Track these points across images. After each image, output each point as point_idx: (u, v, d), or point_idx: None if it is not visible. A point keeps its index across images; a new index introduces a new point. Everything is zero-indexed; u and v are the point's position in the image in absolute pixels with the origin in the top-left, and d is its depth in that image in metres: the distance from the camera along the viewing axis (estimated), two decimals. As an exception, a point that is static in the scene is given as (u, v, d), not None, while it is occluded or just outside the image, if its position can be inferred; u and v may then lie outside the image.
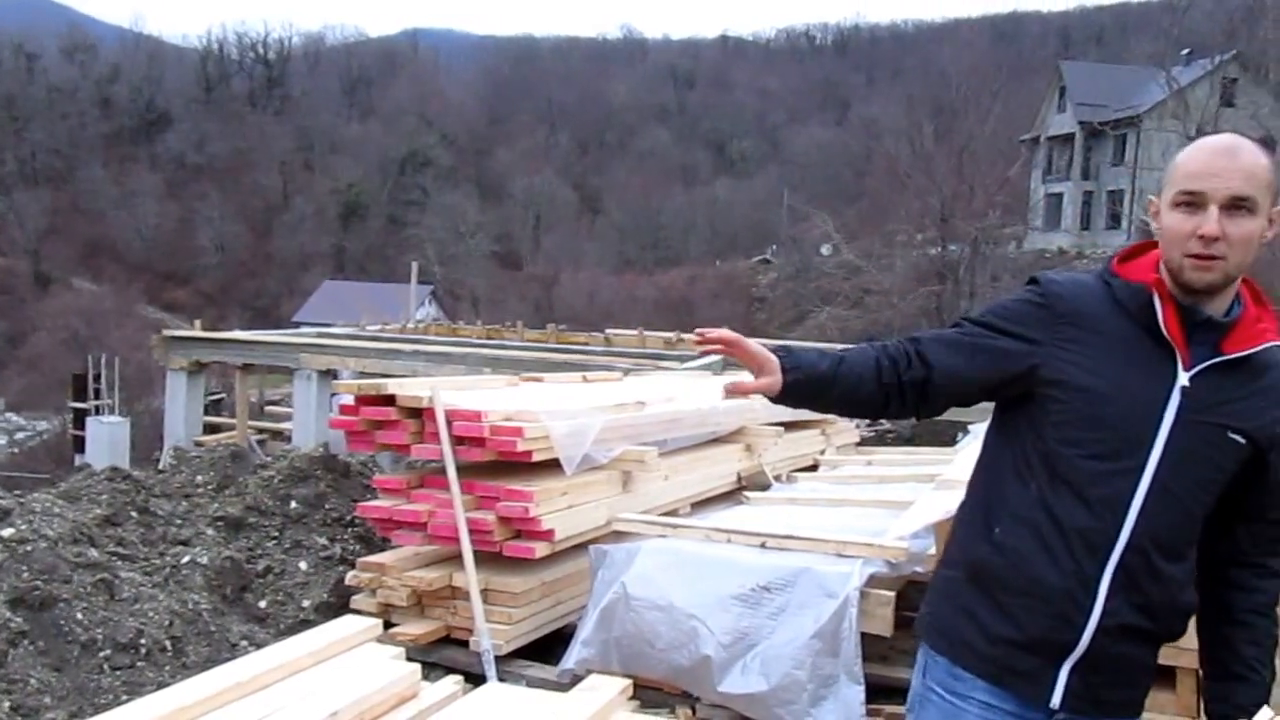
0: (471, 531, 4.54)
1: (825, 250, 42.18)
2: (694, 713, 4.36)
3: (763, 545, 4.61)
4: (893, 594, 4.27)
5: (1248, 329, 1.90)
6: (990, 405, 2.11)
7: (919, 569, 4.26)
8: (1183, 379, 1.88)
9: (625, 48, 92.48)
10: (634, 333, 16.68)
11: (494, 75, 79.06)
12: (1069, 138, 47.88)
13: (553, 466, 4.84)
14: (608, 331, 15.53)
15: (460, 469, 4.63)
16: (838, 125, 66.39)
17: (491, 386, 5.83)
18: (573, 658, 4.41)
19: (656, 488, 5.64)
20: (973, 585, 1.99)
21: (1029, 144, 47.94)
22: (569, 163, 67.39)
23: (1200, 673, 2.26)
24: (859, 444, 9.40)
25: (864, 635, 4.16)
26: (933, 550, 3.69)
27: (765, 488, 6.62)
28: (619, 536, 4.78)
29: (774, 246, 50.70)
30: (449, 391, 4.91)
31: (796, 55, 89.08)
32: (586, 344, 14.68)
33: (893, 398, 1.98)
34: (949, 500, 3.57)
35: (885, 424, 12.54)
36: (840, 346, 2.28)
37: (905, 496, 5.18)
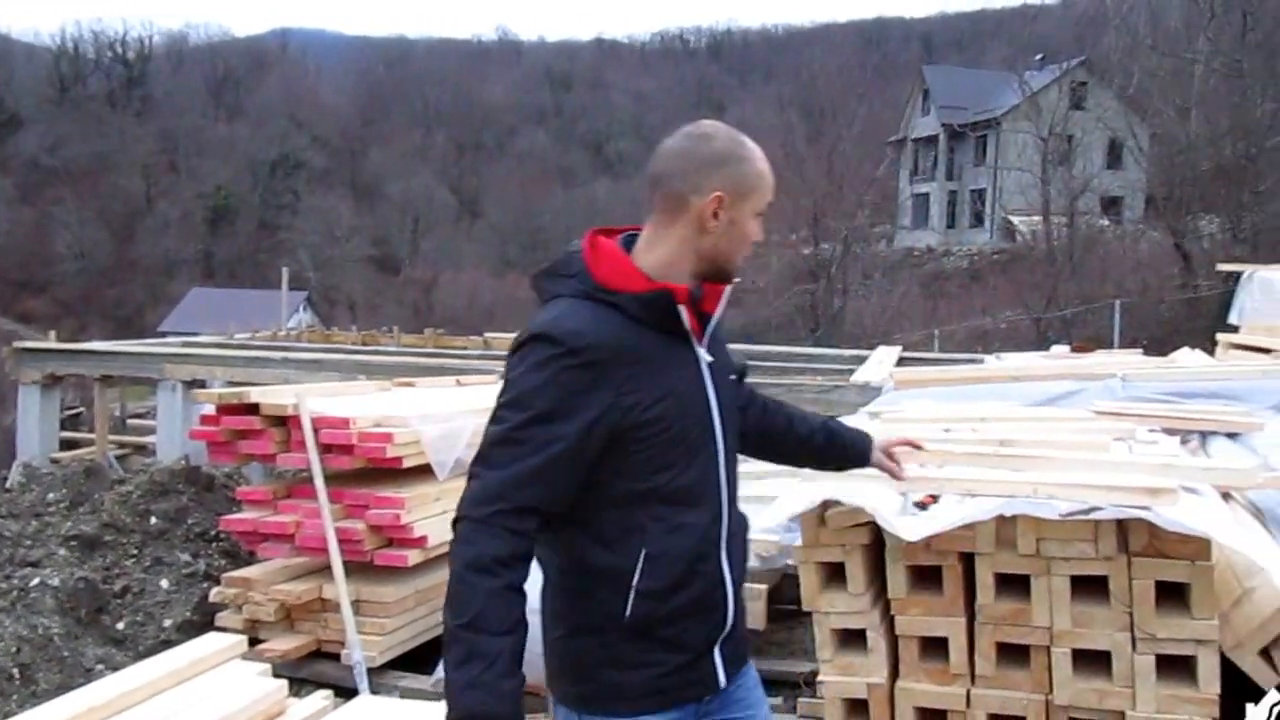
0: (341, 541, 4.44)
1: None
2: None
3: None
4: (765, 588, 4.34)
5: (709, 288, 2.06)
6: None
7: (790, 562, 4.33)
8: (705, 356, 2.05)
9: (500, 49, 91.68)
10: (514, 335, 16.49)
11: (367, 76, 77.44)
12: (933, 139, 49.59)
13: (426, 472, 4.78)
14: (487, 335, 15.34)
15: (329, 478, 4.53)
16: (712, 128, 67.34)
17: (361, 392, 5.71)
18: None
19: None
20: (630, 640, 1.96)
21: (896, 145, 49.44)
22: (446, 164, 66.48)
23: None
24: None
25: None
26: (799, 543, 3.76)
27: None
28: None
29: (655, 248, 51.07)
30: (315, 398, 4.80)
31: (671, 58, 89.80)
32: (465, 348, 14.49)
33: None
34: (814, 491, 3.64)
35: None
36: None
37: (771, 491, 5.26)
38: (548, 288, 2.05)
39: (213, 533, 5.59)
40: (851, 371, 10.54)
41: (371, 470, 4.70)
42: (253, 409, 4.65)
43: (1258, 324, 9.07)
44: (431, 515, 4.71)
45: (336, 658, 4.54)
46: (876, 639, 3.63)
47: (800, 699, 4.16)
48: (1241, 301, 9.51)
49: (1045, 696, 3.43)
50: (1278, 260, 9.68)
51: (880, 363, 11.21)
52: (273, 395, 4.76)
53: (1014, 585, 3.46)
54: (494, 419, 1.96)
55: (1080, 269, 28.34)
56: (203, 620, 4.86)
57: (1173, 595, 3.32)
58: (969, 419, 4.98)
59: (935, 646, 3.59)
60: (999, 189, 43.38)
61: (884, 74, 52.50)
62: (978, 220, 46.61)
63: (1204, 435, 5.01)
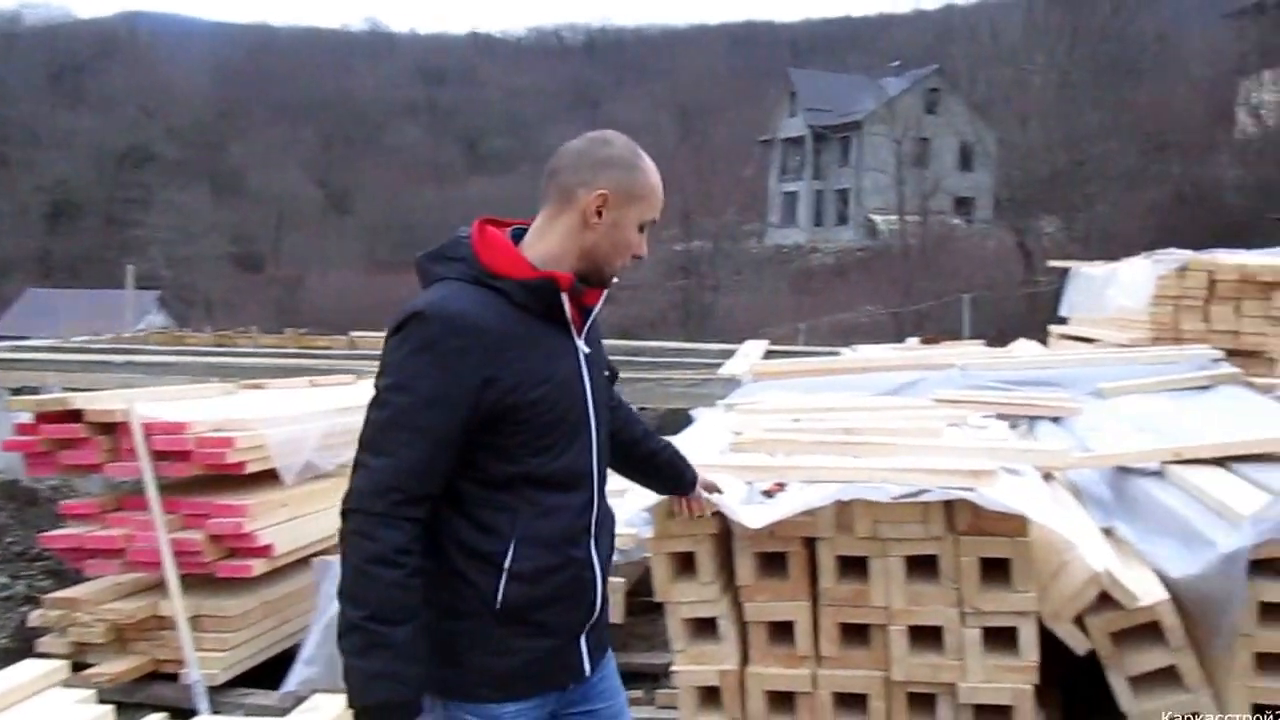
0: (179, 553, 4.25)
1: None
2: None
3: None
4: (625, 581, 4.36)
5: (588, 292, 2.11)
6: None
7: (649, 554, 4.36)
8: (583, 347, 2.11)
9: (371, 41, 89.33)
10: (380, 335, 16.15)
11: (227, 65, 74.11)
12: (800, 140, 50.73)
13: (271, 477, 4.63)
14: (353, 334, 14.96)
15: (164, 487, 4.33)
16: (589, 125, 67.09)
17: (203, 395, 5.50)
18: (295, 679, 4.22)
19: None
20: (501, 624, 1.99)
21: (765, 145, 50.43)
22: (313, 159, 64.16)
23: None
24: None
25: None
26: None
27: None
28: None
29: (528, 245, 50.69)
30: (149, 403, 4.59)
31: (547, 54, 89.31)
32: (329, 348, 14.10)
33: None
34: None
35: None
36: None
37: (623, 483, 5.31)
38: (432, 269, 2.06)
39: (35, 551, 5.25)
40: (720, 365, 10.69)
41: (212, 478, 4.51)
42: (75, 416, 4.37)
43: (1083, 316, 9.61)
44: (278, 522, 4.55)
45: (175, 678, 4.34)
46: (727, 626, 3.71)
47: (658, 690, 4.20)
48: (1069, 296, 10.06)
49: (884, 674, 3.57)
50: (1109, 257, 10.22)
51: (747, 356, 11.40)
52: (98, 400, 4.47)
53: (854, 568, 3.59)
54: (378, 403, 1.94)
55: (934, 266, 29.48)
56: (22, 647, 4.52)
57: (996, 571, 3.49)
58: (818, 409, 5.13)
59: (782, 631, 3.69)
60: (861, 189, 44.75)
61: (753, 76, 53.51)
62: (842, 219, 47.94)
63: (1031, 420, 5.28)
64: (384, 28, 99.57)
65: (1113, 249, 13.34)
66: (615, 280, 2.15)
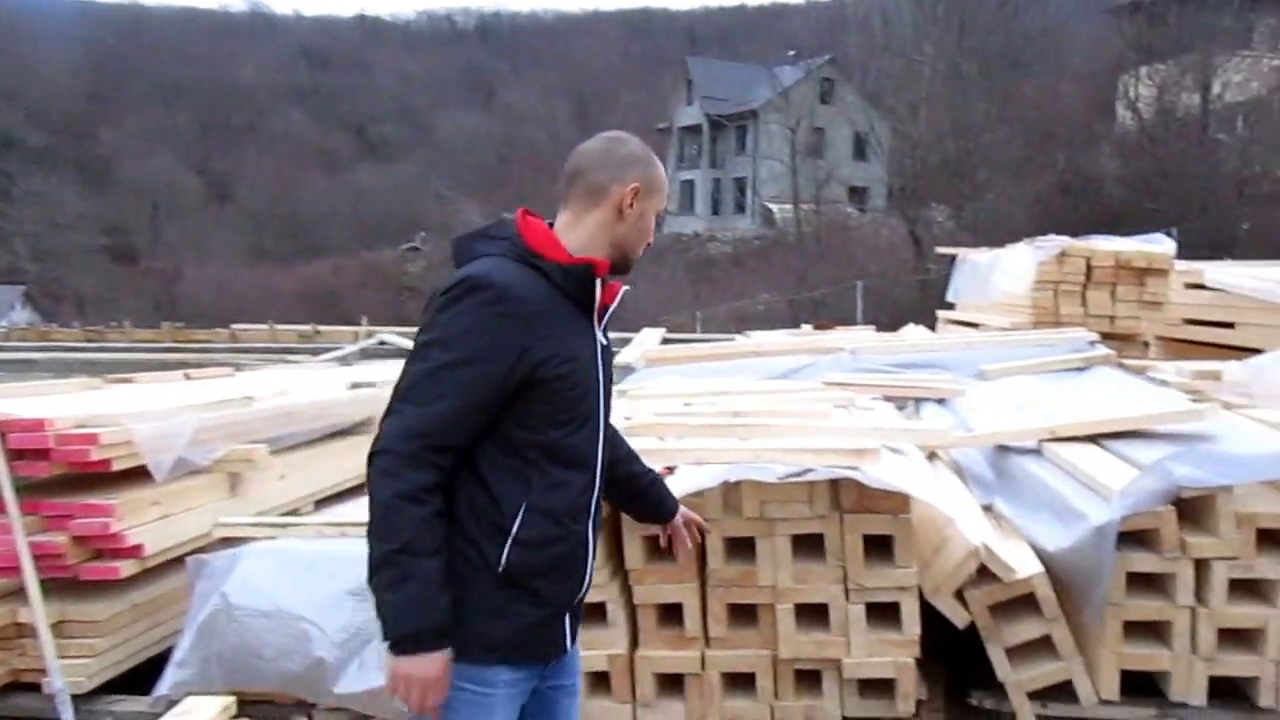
0: (39, 557, 4.01)
1: (474, 237, 42.16)
2: None
3: (378, 535, 4.49)
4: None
5: (608, 288, 2.26)
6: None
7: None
8: (601, 339, 2.27)
9: (251, 23, 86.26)
10: (264, 327, 15.81)
11: (95, 47, 70.26)
12: (697, 129, 51.05)
13: (141, 475, 4.42)
14: (234, 327, 14.56)
15: (24, 488, 4.09)
16: (483, 111, 66.38)
17: (64, 391, 5.22)
18: (167, 682, 4.04)
19: (272, 488, 5.32)
20: (501, 588, 2.11)
21: (662, 134, 50.58)
22: (190, 146, 61.47)
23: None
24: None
25: None
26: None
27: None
28: (227, 544, 4.47)
29: (422, 234, 49.88)
30: (3, 399, 4.33)
31: (438, 39, 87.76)
32: (209, 342, 13.69)
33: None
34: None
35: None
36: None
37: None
38: (474, 247, 2.18)
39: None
40: (616, 353, 10.66)
41: (77, 477, 4.28)
42: (-88, 417, 4.09)
43: (969, 302, 9.88)
44: (148, 521, 4.34)
45: (38, 688, 4.12)
46: (616, 610, 3.70)
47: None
48: (956, 282, 10.33)
49: (772, 652, 3.60)
50: (996, 245, 10.52)
51: (643, 344, 11.41)
52: (-61, 400, 4.21)
53: (741, 548, 3.61)
54: (419, 356, 2.06)
55: (829, 254, 30.03)
56: None
57: (880, 548, 3.54)
58: (708, 393, 5.14)
59: (671, 614, 3.70)
60: (758, 178, 45.24)
61: (650, 64, 53.57)
62: (740, 208, 48.43)
63: (917, 401, 5.39)
64: (266, 9, 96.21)
65: (1000, 237, 13.75)
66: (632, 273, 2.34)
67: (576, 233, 2.22)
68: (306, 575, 4.22)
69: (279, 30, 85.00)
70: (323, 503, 5.75)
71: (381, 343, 13.50)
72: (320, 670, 4.06)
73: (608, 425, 2.30)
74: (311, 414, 5.99)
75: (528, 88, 59.05)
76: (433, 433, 2.00)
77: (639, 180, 2.23)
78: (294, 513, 5.32)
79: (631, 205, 2.23)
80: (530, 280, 2.11)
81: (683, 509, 2.73)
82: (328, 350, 12.99)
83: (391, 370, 8.44)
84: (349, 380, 6.83)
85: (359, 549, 4.31)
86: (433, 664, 2.01)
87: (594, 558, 2.26)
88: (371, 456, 2.03)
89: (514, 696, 2.19)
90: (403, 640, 2.00)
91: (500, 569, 2.09)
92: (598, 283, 2.19)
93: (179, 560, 4.46)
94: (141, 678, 4.37)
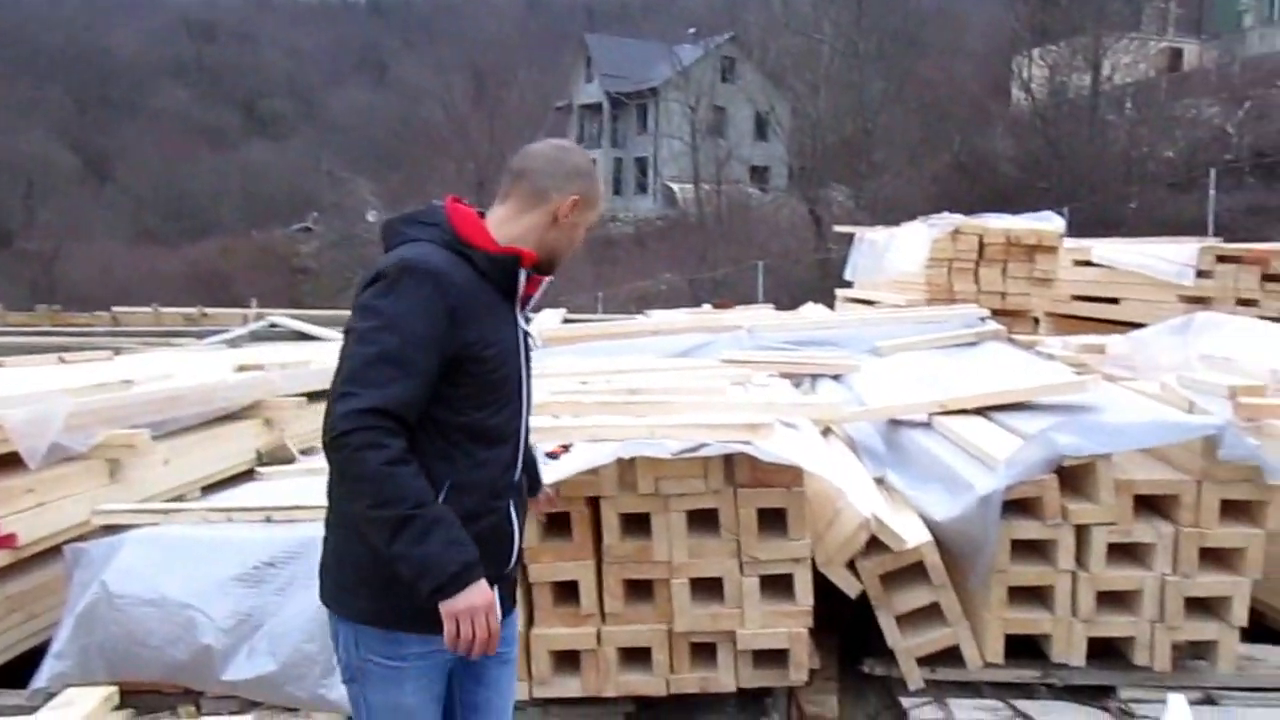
0: (-100, 548, 3.82)
1: (370, 217, 41.35)
2: (199, 709, 4.04)
3: (268, 519, 4.39)
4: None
5: (531, 281, 2.36)
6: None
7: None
8: (524, 325, 2.37)
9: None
10: (148, 310, 15.27)
11: (-48, 16, 66.61)
12: (598, 107, 50.76)
13: (13, 461, 4.23)
14: (115, 310, 14.02)
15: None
16: (376, 88, 64.89)
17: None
18: (44, 674, 3.90)
19: (156, 474, 5.15)
20: None
21: (562, 112, 50.20)
22: (65, 121, 58.35)
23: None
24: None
25: None
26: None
27: (289, 461, 6.33)
28: (108, 531, 4.31)
29: (315, 214, 48.65)
30: None
31: (328, 13, 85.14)
32: (89, 325, 13.17)
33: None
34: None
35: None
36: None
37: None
38: (405, 230, 2.28)
39: None
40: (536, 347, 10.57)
41: (-55, 467, 4.07)
42: None
43: (866, 280, 10.08)
44: (23, 510, 4.16)
45: (-96, 687, 3.92)
46: (511, 590, 3.66)
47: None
48: (854, 260, 10.54)
49: (668, 626, 3.63)
50: (894, 224, 10.73)
51: (543, 325, 11.35)
52: None
53: (637, 525, 3.61)
54: (365, 340, 2.12)
55: (730, 234, 30.25)
56: None
57: (773, 522, 3.58)
58: (605, 371, 5.14)
59: (567, 591, 3.69)
60: (660, 157, 45.27)
61: (548, 40, 53.00)
62: (642, 188, 48.38)
63: (813, 378, 5.47)
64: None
65: (898, 217, 14.01)
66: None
67: (509, 228, 2.31)
68: (192, 562, 4.12)
69: (159, 1, 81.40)
70: (211, 488, 5.58)
71: (272, 325, 13.14)
72: (207, 658, 3.97)
73: (530, 406, 2.40)
74: (197, 398, 5.81)
75: (422, 64, 57.68)
76: (394, 410, 2.08)
77: (580, 193, 2.33)
78: (180, 499, 5.16)
79: (568, 215, 2.33)
80: (459, 267, 2.21)
81: (545, 488, 2.88)
82: (215, 334, 12.60)
83: (282, 353, 8.25)
84: (236, 363, 6.63)
85: (247, 534, 4.26)
86: (482, 592, 2.10)
87: (521, 533, 2.36)
88: (335, 438, 2.07)
89: (426, 669, 2.24)
90: (451, 582, 2.07)
91: None
92: (522, 273, 2.29)
93: (57, 549, 4.30)
94: (17, 672, 4.20)
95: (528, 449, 2.56)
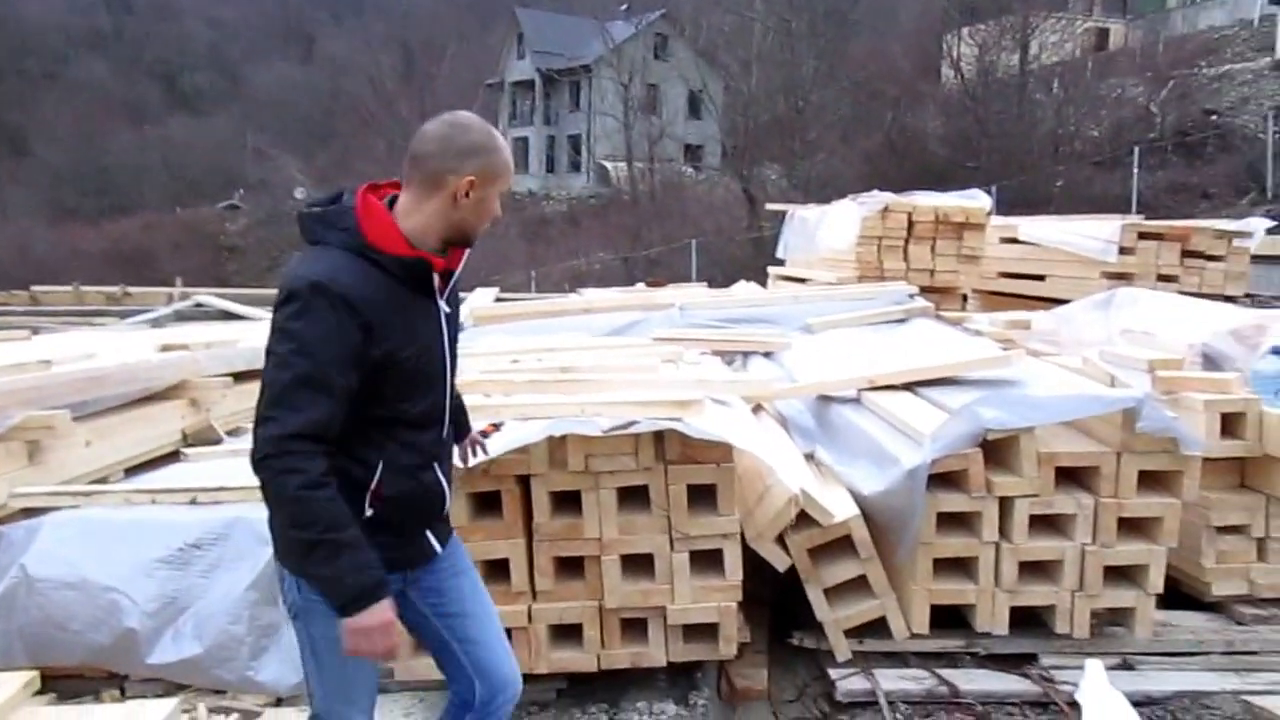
0: None
1: (299, 194, 40.60)
2: (123, 693, 3.97)
3: (193, 501, 4.32)
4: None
5: (453, 252, 2.45)
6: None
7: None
8: (444, 308, 2.45)
9: (35, -41, 79.46)
10: (68, 289, 14.84)
11: None
12: (530, 84, 50.27)
13: (-76, 445, 4.10)
14: (34, 289, 13.59)
15: None
16: (302, 62, 63.59)
17: None
18: (-44, 663, 3.80)
19: (77, 455, 5.02)
20: (366, 529, 2.29)
21: (493, 88, 49.63)
22: (-25, 94, 56.67)
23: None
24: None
25: None
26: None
27: (216, 442, 6.21)
28: (27, 514, 4.21)
29: (241, 191, 47.60)
30: None
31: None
32: (6, 305, 12.76)
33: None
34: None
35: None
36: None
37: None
38: (316, 231, 2.33)
39: None
40: (463, 326, 10.49)
41: None
42: None
43: (797, 258, 10.16)
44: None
45: None
46: (442, 569, 3.64)
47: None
48: (785, 238, 10.60)
49: (599, 603, 3.64)
50: (826, 202, 10.81)
51: (475, 304, 11.26)
52: None
53: (567, 502, 3.61)
54: (282, 364, 2.20)
55: (664, 213, 30.23)
56: None
57: (703, 497, 3.61)
58: (536, 350, 5.11)
59: (498, 569, 3.67)
60: (593, 135, 45.03)
61: (479, 15, 52.31)
62: (575, 166, 48.08)
63: (745, 355, 5.51)
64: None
65: (830, 195, 14.10)
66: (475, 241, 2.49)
67: (414, 218, 2.34)
68: (114, 544, 4.04)
69: (72, -31, 78.53)
70: (135, 470, 5.46)
71: (198, 305, 12.86)
72: (131, 641, 3.91)
73: (453, 381, 2.55)
74: (119, 378, 5.67)
75: (350, 38, 56.59)
76: (313, 432, 2.18)
77: (475, 172, 2.32)
78: (103, 481, 5.05)
79: (468, 195, 2.34)
80: (369, 276, 2.26)
81: (473, 431, 3.04)
82: (138, 313, 12.29)
83: (208, 332, 8.08)
84: (160, 343, 6.48)
85: (171, 516, 4.18)
86: (381, 613, 2.24)
87: (450, 489, 2.56)
88: (260, 461, 2.19)
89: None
90: (353, 603, 2.22)
91: (365, 516, 2.33)
92: (434, 275, 2.37)
93: (-32, 535, 4.17)
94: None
95: (455, 399, 2.70)
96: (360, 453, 2.33)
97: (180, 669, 3.92)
